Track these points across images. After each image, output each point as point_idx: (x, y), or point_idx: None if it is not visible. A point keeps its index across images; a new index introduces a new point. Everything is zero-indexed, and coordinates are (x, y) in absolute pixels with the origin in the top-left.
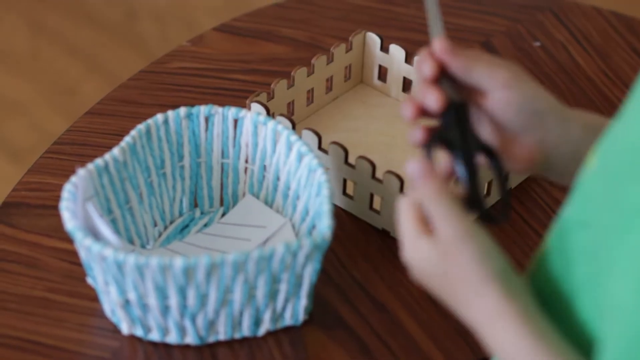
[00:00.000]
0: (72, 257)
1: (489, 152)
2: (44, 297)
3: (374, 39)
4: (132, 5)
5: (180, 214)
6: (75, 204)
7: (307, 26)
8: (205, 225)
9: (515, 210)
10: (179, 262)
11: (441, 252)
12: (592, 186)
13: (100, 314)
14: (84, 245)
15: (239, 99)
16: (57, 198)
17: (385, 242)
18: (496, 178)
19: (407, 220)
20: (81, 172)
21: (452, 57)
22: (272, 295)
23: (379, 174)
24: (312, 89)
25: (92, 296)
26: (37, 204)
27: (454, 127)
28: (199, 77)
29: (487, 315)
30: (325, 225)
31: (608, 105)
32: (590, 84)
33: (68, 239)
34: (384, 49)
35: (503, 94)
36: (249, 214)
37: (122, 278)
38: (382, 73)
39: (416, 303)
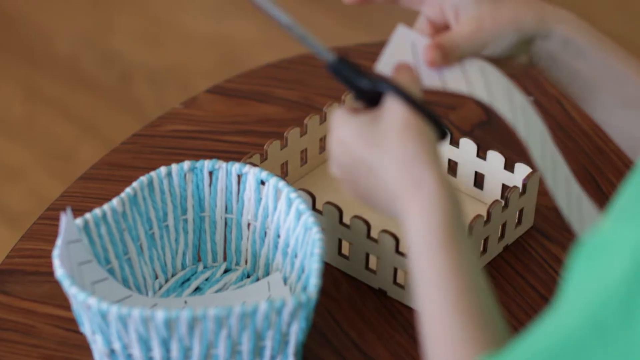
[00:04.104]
0: (67, 324)
1: (386, 81)
2: None
3: None
4: (127, 69)
5: (183, 268)
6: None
7: (300, 86)
8: (207, 279)
9: (511, 267)
10: (160, 314)
11: (379, 128)
12: None
13: None
14: (70, 294)
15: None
16: (51, 264)
17: (382, 301)
18: (403, 98)
19: (338, 110)
20: (63, 216)
21: (445, 58)
22: (258, 352)
23: (374, 233)
24: (306, 149)
25: None
26: (31, 271)
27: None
28: (192, 140)
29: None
30: (312, 284)
31: (604, 160)
32: (587, 139)
33: (63, 305)
34: None
35: (485, 52)
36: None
37: (107, 327)
38: None
39: None
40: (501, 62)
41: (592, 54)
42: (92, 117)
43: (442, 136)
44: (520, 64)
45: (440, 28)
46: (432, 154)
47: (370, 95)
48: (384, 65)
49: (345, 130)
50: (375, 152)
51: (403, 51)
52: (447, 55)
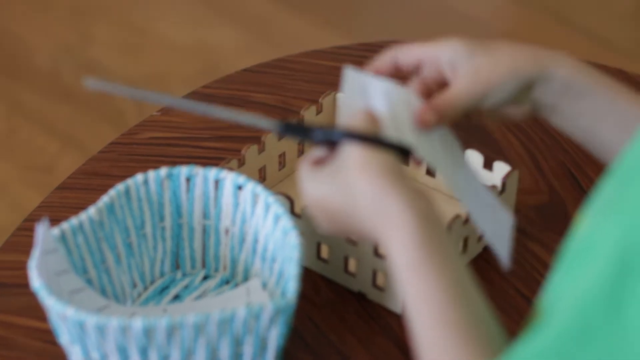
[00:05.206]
0: (45, 335)
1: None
2: None
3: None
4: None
5: (162, 275)
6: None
7: (278, 90)
8: (186, 287)
9: (492, 266)
10: (138, 323)
11: (343, 180)
12: None
13: None
14: (48, 304)
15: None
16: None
17: (362, 304)
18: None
19: (303, 165)
20: (39, 226)
21: (440, 119)
22: (237, 357)
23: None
24: (284, 153)
25: None
26: (10, 283)
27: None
28: (170, 147)
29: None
30: (290, 289)
31: (584, 157)
32: (565, 136)
33: (42, 317)
34: None
35: (485, 104)
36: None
37: (85, 337)
38: None
39: None
40: (504, 111)
41: (595, 95)
42: (74, 128)
43: (405, 154)
44: (523, 112)
45: (433, 90)
46: (397, 180)
47: (325, 142)
48: (345, 110)
49: (315, 188)
50: (347, 200)
51: (354, 94)
52: (442, 117)
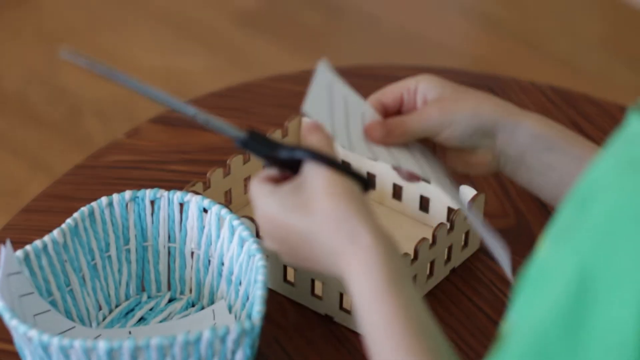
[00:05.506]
0: (10, 357)
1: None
2: None
3: None
4: (75, 104)
5: (127, 298)
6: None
7: (244, 114)
8: (151, 309)
9: (459, 289)
10: (102, 345)
11: (303, 195)
12: None
13: None
14: (11, 326)
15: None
16: None
17: (329, 327)
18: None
19: (256, 181)
20: (3, 248)
21: (390, 140)
22: None
23: None
24: (250, 177)
25: None
26: None
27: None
28: (136, 170)
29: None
30: (255, 311)
31: None
32: None
33: (7, 339)
34: None
35: (446, 133)
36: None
37: (49, 359)
38: None
39: None
40: (464, 156)
41: (565, 148)
42: (41, 152)
43: (365, 188)
44: (484, 162)
45: (390, 111)
46: (361, 208)
47: (285, 162)
48: (311, 105)
49: (270, 204)
50: (306, 219)
51: (322, 89)
52: (391, 135)
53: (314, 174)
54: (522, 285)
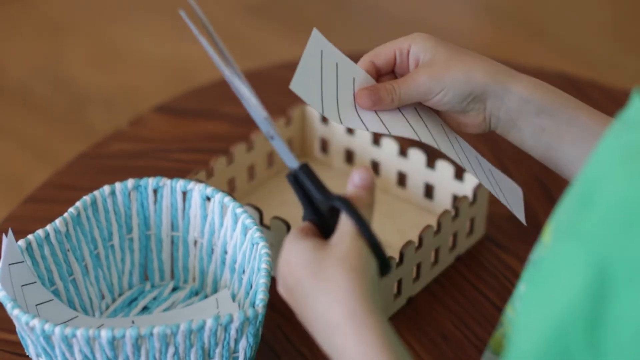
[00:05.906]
0: (12, 347)
1: (342, 201)
2: None
3: (313, 112)
4: (79, 95)
5: (130, 287)
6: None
7: None
8: (154, 298)
9: (464, 277)
10: (105, 334)
11: (323, 255)
12: None
13: None
14: (13, 315)
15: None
16: None
17: None
18: (355, 225)
19: (293, 230)
20: (4, 238)
21: (379, 108)
22: None
23: None
24: (253, 165)
25: None
26: None
27: (297, 193)
28: (139, 159)
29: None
30: (259, 299)
31: (557, 189)
32: (539, 167)
33: (9, 329)
34: (325, 121)
35: (437, 99)
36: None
37: (51, 349)
38: (324, 145)
39: None
40: (456, 116)
41: (555, 110)
42: (46, 143)
43: (384, 270)
44: (477, 124)
45: (382, 72)
46: (366, 288)
47: (321, 212)
48: (299, 83)
49: (293, 252)
50: (312, 280)
51: (315, 56)
52: (380, 101)
53: (340, 236)
54: (529, 278)
